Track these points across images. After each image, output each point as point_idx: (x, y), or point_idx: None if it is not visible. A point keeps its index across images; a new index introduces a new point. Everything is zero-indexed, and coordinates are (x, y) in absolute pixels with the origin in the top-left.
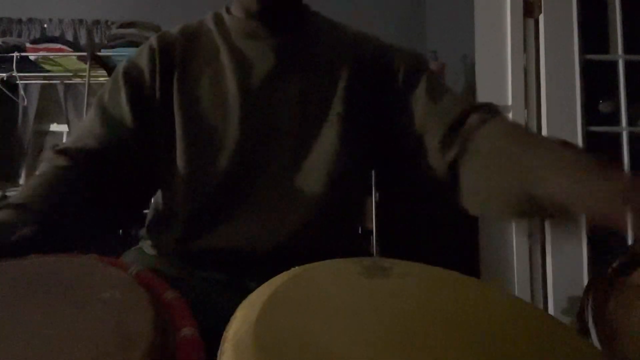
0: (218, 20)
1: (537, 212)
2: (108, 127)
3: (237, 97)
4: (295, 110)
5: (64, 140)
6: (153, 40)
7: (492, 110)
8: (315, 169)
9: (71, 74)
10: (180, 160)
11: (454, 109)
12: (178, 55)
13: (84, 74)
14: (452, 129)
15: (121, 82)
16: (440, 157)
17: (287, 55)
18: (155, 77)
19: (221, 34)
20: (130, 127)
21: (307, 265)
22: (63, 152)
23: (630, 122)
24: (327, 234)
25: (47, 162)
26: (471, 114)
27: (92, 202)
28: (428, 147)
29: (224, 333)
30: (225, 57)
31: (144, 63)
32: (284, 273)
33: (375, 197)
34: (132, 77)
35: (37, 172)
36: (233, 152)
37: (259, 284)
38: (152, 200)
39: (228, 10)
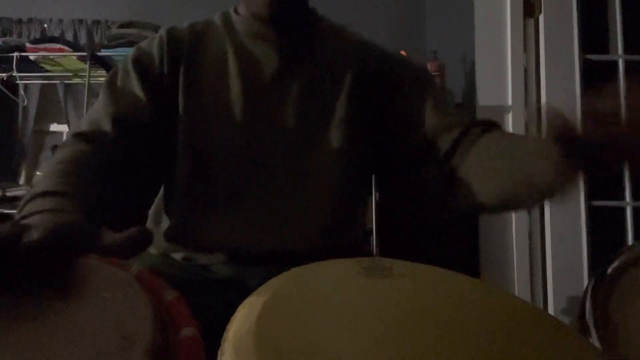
0: (226, 20)
1: (535, 195)
2: (121, 105)
3: (241, 97)
4: (298, 113)
5: (64, 139)
6: (163, 32)
7: (492, 124)
8: (317, 171)
9: (71, 74)
10: (181, 157)
11: (460, 124)
12: (185, 51)
13: (84, 74)
14: (457, 141)
15: (131, 68)
16: (445, 164)
17: (292, 58)
18: (163, 66)
19: (228, 33)
20: (143, 106)
21: (307, 266)
22: (81, 136)
23: None
24: (328, 235)
25: (66, 148)
26: (473, 127)
27: (114, 188)
28: (434, 157)
29: (225, 333)
30: (231, 57)
31: (154, 50)
32: (284, 273)
33: (375, 197)
34: (142, 62)
35: (55, 158)
36: (234, 152)
37: (259, 284)
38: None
39: (236, 11)
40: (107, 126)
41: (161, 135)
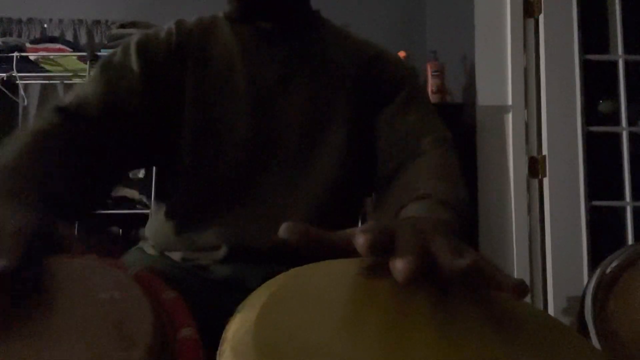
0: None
1: None
2: (113, 85)
3: (246, 96)
4: (303, 112)
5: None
6: (172, 24)
7: (439, 140)
8: (321, 171)
9: (71, 74)
10: (185, 154)
11: (406, 139)
12: (194, 44)
13: (84, 74)
14: (399, 155)
15: (133, 49)
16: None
17: (297, 58)
18: (171, 55)
19: (235, 31)
20: (137, 91)
21: (306, 266)
22: (62, 110)
23: (630, 122)
24: None
25: (42, 120)
26: (422, 138)
27: (79, 169)
28: (379, 166)
29: (223, 333)
30: (237, 56)
31: (162, 38)
32: (284, 273)
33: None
34: (146, 45)
35: (29, 128)
36: (240, 151)
37: (259, 284)
38: (153, 199)
39: None
40: (92, 104)
41: (146, 126)
